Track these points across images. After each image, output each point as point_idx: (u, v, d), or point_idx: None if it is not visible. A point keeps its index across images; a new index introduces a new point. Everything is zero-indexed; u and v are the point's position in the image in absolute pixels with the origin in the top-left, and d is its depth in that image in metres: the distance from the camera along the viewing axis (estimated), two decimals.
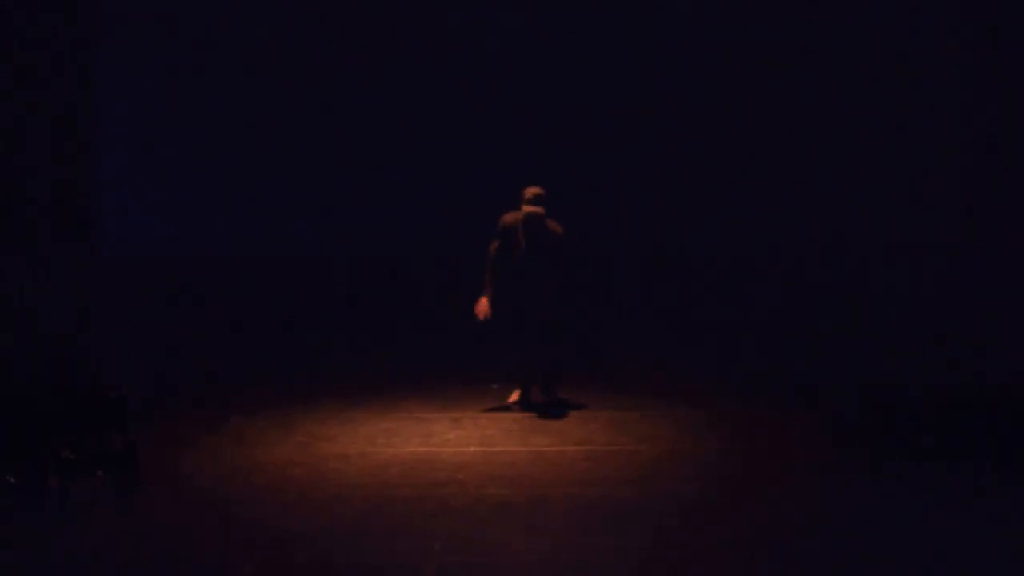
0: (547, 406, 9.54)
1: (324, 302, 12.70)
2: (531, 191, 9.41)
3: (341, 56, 13.30)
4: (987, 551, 6.43)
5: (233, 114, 13.27)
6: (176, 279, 12.76)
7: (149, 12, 13.23)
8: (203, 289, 12.67)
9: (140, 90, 13.26)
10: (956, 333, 11.73)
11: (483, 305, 9.38)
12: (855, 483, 7.69)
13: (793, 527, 6.88)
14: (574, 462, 8.20)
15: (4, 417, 7.42)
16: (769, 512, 7.15)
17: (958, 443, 8.53)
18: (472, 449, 8.59)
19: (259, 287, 12.74)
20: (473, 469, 8.06)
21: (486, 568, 6.34)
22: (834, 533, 6.74)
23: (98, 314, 11.99)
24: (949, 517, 6.97)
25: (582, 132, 13.25)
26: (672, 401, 9.83)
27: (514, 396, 9.71)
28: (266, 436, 8.89)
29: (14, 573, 6.30)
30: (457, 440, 8.82)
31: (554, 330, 9.47)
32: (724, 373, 10.92)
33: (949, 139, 13.24)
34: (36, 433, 7.38)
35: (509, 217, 9.49)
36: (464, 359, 11.16)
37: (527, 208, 9.33)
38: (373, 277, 12.91)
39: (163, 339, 11.84)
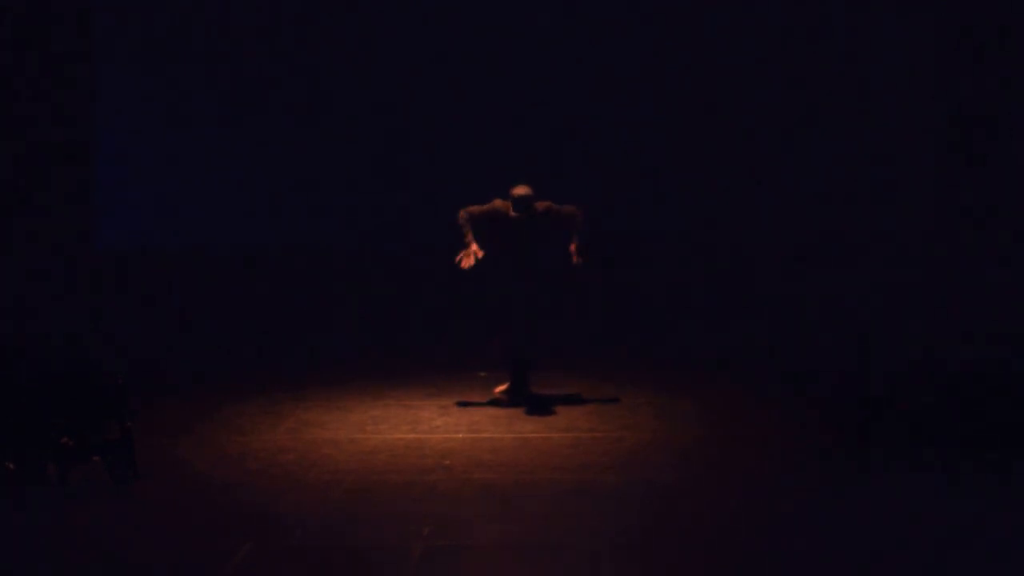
0: (522, 393, 9.60)
1: (319, 296, 12.78)
2: (518, 192, 9.34)
3: (341, 55, 13.38)
4: (972, 539, 6.52)
5: (231, 111, 13.34)
6: (173, 272, 12.86)
7: (148, 10, 13.30)
8: (200, 282, 12.77)
9: (139, 85, 13.32)
10: (937, 323, 11.87)
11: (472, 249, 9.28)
12: (837, 471, 7.81)
13: (773, 515, 6.99)
14: (558, 448, 8.34)
15: (4, 405, 7.54)
16: (749, 500, 7.27)
17: (941, 431, 8.65)
18: (459, 435, 8.72)
19: (255, 282, 12.83)
20: (460, 455, 8.19)
21: (472, 551, 6.47)
22: (815, 521, 6.84)
23: (96, 305, 12.09)
24: (932, 504, 7.08)
25: (577, 128, 13.36)
26: (655, 389, 9.97)
27: (501, 388, 9.81)
28: (257, 423, 9.03)
29: (12, 559, 6.41)
30: (445, 427, 8.95)
31: (540, 320, 9.58)
32: (708, 361, 11.06)
33: (924, 136, 13.37)
34: (35, 420, 7.50)
35: (501, 203, 9.42)
36: (452, 347, 11.29)
37: (517, 192, 9.33)
38: (368, 272, 13.01)
39: (158, 330, 11.95)
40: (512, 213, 9.35)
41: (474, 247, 9.27)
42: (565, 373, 10.21)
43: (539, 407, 9.43)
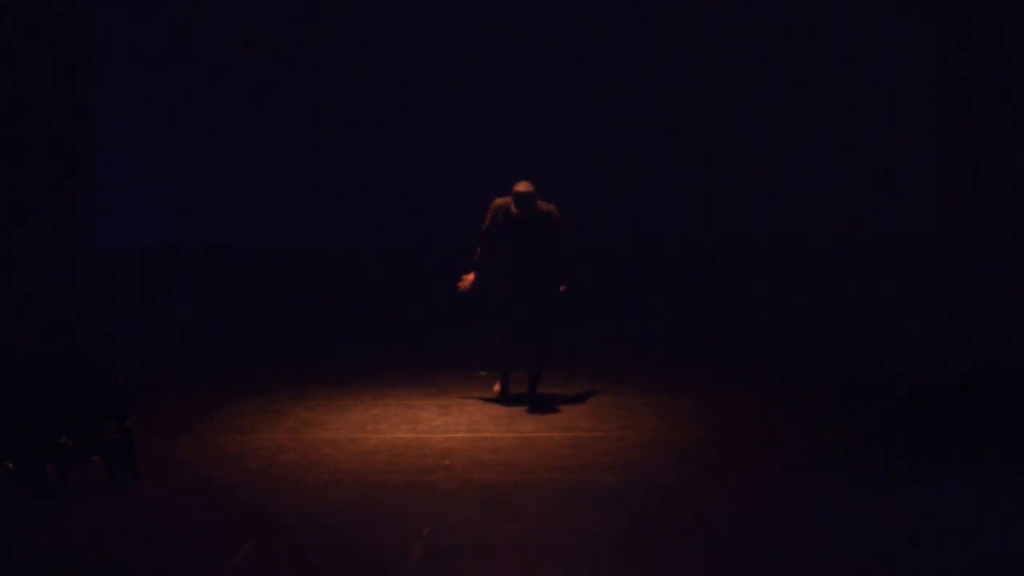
0: (529, 397, 9.61)
1: (319, 296, 12.79)
2: (520, 188, 9.40)
3: (341, 55, 13.40)
4: (973, 538, 6.53)
5: (231, 111, 13.36)
6: (173, 273, 12.86)
7: (148, 10, 13.31)
8: (200, 282, 12.77)
9: (139, 85, 13.33)
10: (932, 319, 11.87)
11: (468, 280, 9.52)
12: (835, 470, 7.81)
13: (773, 515, 6.99)
14: (559, 448, 8.34)
15: (3, 405, 7.54)
16: (749, 500, 7.27)
17: (942, 431, 8.67)
18: (460, 435, 8.71)
19: (255, 282, 12.84)
20: (460, 455, 8.19)
21: (471, 551, 6.48)
22: (815, 521, 6.85)
23: (95, 304, 12.08)
24: (931, 503, 7.09)
25: (577, 128, 13.38)
26: (656, 388, 9.96)
27: (496, 387, 9.80)
28: (257, 423, 9.03)
29: (12, 559, 6.40)
30: (445, 426, 8.95)
31: (544, 321, 9.57)
32: (708, 361, 11.05)
33: (924, 136, 13.39)
34: (34, 420, 7.50)
35: (500, 200, 9.48)
36: (452, 347, 11.26)
37: (518, 188, 9.36)
38: (366, 269, 13.01)
39: (158, 330, 11.95)
40: (513, 209, 9.36)
41: (470, 277, 9.50)
42: (566, 373, 10.19)
43: (540, 406, 9.43)
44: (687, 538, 6.65)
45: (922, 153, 13.39)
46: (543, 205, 9.42)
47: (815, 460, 8.07)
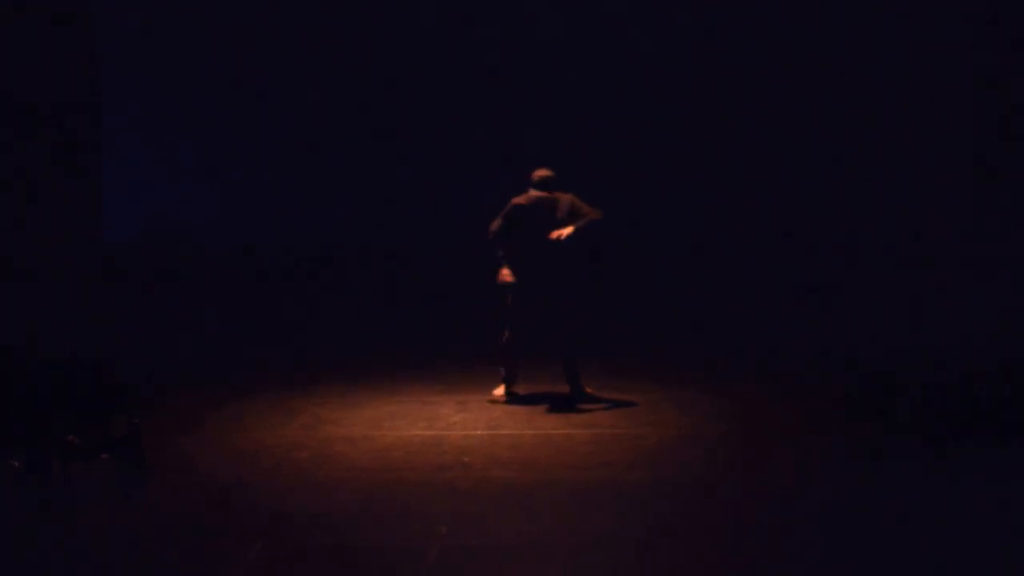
0: (572, 399, 9.41)
1: (325, 290, 12.71)
2: (538, 174, 9.24)
3: (341, 55, 13.38)
4: (993, 532, 6.48)
5: (231, 111, 13.33)
6: (174, 272, 12.79)
7: (149, 10, 13.27)
8: (205, 277, 12.70)
9: (142, 80, 13.30)
10: (957, 314, 11.83)
11: (506, 273, 9.19)
12: (860, 467, 7.72)
13: (796, 512, 6.89)
14: (579, 445, 8.21)
15: (9, 402, 7.42)
16: (772, 497, 7.17)
17: (964, 421, 8.60)
18: (478, 432, 8.58)
19: (260, 276, 12.78)
20: (479, 452, 8.05)
21: (490, 550, 6.36)
22: (837, 517, 6.76)
23: (99, 304, 11.96)
24: (953, 496, 7.03)
25: (579, 128, 13.37)
26: (678, 385, 9.83)
27: (499, 391, 9.57)
28: (270, 419, 8.90)
29: (19, 557, 6.30)
30: (463, 423, 8.81)
31: (570, 321, 9.38)
32: (731, 357, 10.92)
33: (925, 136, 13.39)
34: (41, 418, 7.39)
35: (519, 200, 9.19)
36: (469, 343, 11.11)
37: (535, 193, 9.18)
38: (375, 267, 12.96)
39: (166, 325, 11.85)
40: (533, 194, 9.12)
41: (505, 271, 9.17)
42: (587, 369, 10.06)
43: (560, 403, 9.29)
44: (711, 537, 6.53)
45: (923, 153, 13.39)
46: (563, 196, 9.20)
47: (840, 457, 7.97)
